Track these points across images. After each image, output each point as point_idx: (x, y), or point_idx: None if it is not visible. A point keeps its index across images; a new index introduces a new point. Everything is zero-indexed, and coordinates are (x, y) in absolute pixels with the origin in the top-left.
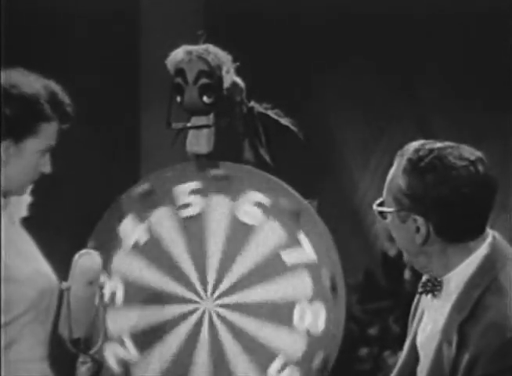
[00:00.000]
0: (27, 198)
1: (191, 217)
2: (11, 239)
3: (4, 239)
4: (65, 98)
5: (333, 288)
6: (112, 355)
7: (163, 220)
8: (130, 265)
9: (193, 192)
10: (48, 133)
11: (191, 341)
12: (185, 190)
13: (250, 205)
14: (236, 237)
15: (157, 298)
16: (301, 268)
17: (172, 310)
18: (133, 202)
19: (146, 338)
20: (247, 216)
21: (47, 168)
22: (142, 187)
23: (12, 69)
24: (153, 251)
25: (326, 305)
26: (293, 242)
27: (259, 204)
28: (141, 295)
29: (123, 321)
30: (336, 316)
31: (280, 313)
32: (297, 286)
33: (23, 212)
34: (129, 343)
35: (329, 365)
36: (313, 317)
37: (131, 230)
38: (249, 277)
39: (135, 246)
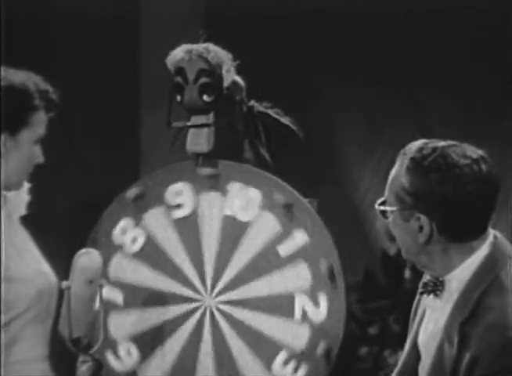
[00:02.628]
0: (25, 197)
1: (185, 216)
2: (10, 237)
3: (2, 237)
4: (48, 86)
5: (332, 277)
6: (114, 358)
7: (157, 221)
8: (128, 268)
9: (185, 191)
10: (39, 122)
11: (194, 339)
12: (176, 190)
13: (243, 200)
14: (231, 233)
15: (157, 299)
16: (297, 259)
17: (173, 310)
18: (126, 206)
19: (149, 340)
20: (240, 212)
21: (40, 159)
22: (134, 191)
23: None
24: (150, 252)
25: (326, 294)
26: (288, 234)
27: (251, 199)
28: (140, 298)
29: (124, 324)
30: (336, 305)
31: (281, 306)
32: (295, 277)
33: (22, 211)
34: (132, 346)
35: (334, 353)
36: (314, 307)
37: (126, 234)
38: (247, 272)
39: (131, 249)
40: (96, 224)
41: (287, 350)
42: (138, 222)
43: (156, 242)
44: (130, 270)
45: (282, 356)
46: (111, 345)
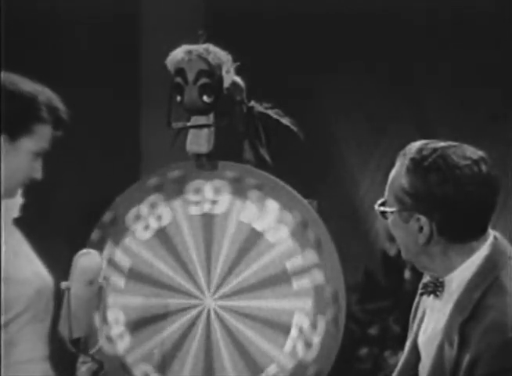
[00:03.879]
0: (19, 199)
1: (201, 214)
2: (6, 239)
3: (2, 238)
4: (60, 104)
5: (335, 302)
6: (106, 339)
7: (172, 214)
8: (135, 254)
9: (205, 190)
10: (43, 135)
11: (186, 336)
12: (196, 187)
13: (260, 210)
14: (243, 240)
15: (158, 290)
16: (304, 279)
17: (172, 304)
18: (144, 193)
19: (143, 329)
20: (256, 220)
21: (38, 174)
22: (154, 180)
23: (25, 77)
24: (160, 243)
25: (326, 319)
26: (300, 252)
27: (269, 210)
28: (142, 285)
29: (123, 309)
30: (334, 332)
31: (278, 321)
32: (298, 296)
33: (15, 213)
34: (125, 332)
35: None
36: (311, 329)
37: (139, 220)
38: (251, 281)
39: (142, 236)
40: (111, 206)
41: (278, 365)
42: (153, 210)
43: (168, 234)
44: (137, 256)
45: (271, 370)
46: (127, 370)
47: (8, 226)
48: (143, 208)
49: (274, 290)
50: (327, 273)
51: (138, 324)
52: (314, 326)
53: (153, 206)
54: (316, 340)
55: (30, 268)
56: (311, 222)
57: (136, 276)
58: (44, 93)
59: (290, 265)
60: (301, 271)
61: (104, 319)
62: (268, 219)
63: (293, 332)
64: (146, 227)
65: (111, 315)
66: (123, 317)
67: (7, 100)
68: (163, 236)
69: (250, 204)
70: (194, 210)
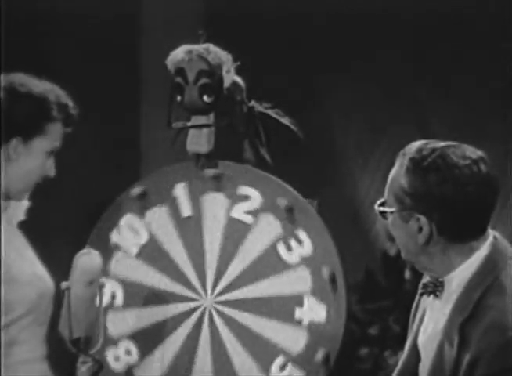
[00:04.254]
0: (25, 202)
1: (188, 217)
2: (10, 242)
3: (4, 241)
4: (69, 101)
5: (333, 282)
6: (113, 357)
7: (159, 221)
8: (128, 267)
9: (190, 192)
10: (55, 134)
11: (192, 339)
12: (180, 190)
13: (246, 202)
14: (233, 235)
15: (157, 298)
16: (299, 263)
17: (172, 310)
18: (129, 204)
19: (147, 339)
20: (243, 213)
21: (51, 172)
22: (138, 189)
23: (15, 73)
24: (152, 252)
25: (326, 300)
26: (290, 237)
27: (254, 201)
28: (140, 296)
29: (123, 323)
30: (336, 311)
31: (280, 309)
32: (296, 281)
33: (21, 216)
34: (130, 345)
35: (332, 359)
36: (313, 312)
37: (127, 232)
38: (247, 274)
39: (133, 248)
40: (98, 222)
41: (285, 354)
42: (140, 220)
43: (158, 241)
44: (130, 268)
45: (279, 360)
46: (110, 343)
47: (13, 229)
48: (130, 218)
49: (271, 279)
50: (322, 255)
51: (142, 338)
52: (316, 310)
53: (138, 215)
54: (320, 324)
55: (34, 271)
56: (297, 206)
57: (133, 287)
58: (53, 91)
59: (283, 252)
60: (296, 256)
61: (107, 337)
62: (254, 210)
63: (296, 319)
64: (136, 237)
65: (115, 334)
66: (126, 331)
67: (19, 103)
68: (153, 244)
69: (234, 198)
70: (181, 213)
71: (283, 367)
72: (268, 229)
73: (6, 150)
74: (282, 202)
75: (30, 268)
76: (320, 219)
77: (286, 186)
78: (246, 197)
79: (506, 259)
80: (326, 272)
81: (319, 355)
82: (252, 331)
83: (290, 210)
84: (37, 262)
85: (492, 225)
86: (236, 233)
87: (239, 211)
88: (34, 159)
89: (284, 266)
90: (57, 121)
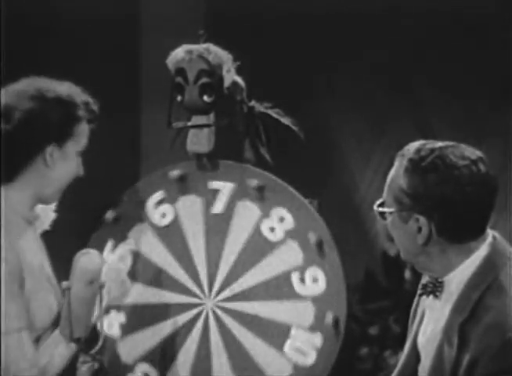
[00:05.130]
0: (51, 214)
1: (167, 225)
2: (37, 252)
3: (2, 238)
4: (89, 97)
5: (322, 247)
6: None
7: (141, 237)
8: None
9: (162, 201)
10: (84, 133)
11: (204, 344)
12: (155, 201)
13: (275, 221)
14: (215, 231)
15: (159, 313)
16: (285, 238)
17: (177, 320)
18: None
19: (162, 356)
20: (218, 207)
21: (81, 170)
22: (111, 213)
23: (27, 77)
24: (141, 269)
25: (321, 267)
26: (269, 215)
27: (225, 192)
28: (142, 316)
29: (134, 348)
30: (334, 274)
31: (279, 288)
32: (286, 257)
33: (46, 226)
34: (147, 367)
35: (341, 323)
36: (312, 282)
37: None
38: (239, 264)
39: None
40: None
41: (296, 329)
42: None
43: (144, 257)
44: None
45: (292, 335)
46: (127, 370)
47: (38, 241)
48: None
49: (275, 292)
50: (305, 224)
51: (155, 355)
52: (314, 278)
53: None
54: (321, 290)
55: (52, 282)
56: (312, 222)
57: (133, 309)
58: (72, 89)
59: (266, 232)
60: (280, 232)
61: (122, 365)
62: (228, 200)
63: (297, 292)
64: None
65: (127, 358)
66: (140, 355)
67: (51, 109)
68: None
69: (205, 195)
70: (159, 223)
71: (297, 341)
72: (246, 214)
73: (43, 157)
74: (252, 184)
75: (50, 279)
76: (294, 191)
77: (251, 168)
78: (217, 191)
79: (505, 259)
80: (313, 240)
81: (328, 319)
82: (258, 317)
83: (261, 189)
84: (55, 282)
85: (492, 225)
86: (217, 228)
87: (216, 207)
88: (70, 162)
89: (271, 246)
90: (83, 121)
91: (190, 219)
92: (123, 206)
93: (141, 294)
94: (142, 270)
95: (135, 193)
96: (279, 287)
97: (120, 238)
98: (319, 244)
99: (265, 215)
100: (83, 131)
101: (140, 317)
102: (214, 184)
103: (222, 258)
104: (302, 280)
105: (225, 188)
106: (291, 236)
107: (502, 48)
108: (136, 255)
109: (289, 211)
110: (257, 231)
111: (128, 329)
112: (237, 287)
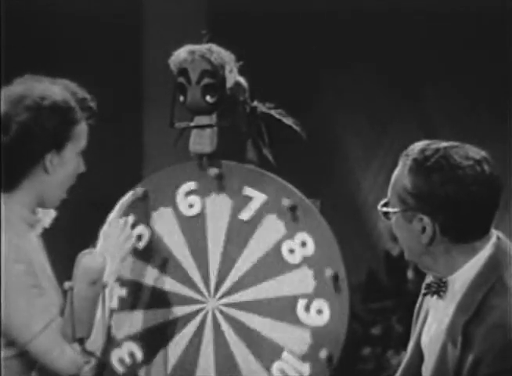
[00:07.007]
0: (52, 212)
1: (192, 217)
2: (37, 253)
3: (3, 238)
4: (85, 93)
5: (336, 283)
6: (117, 359)
7: (164, 220)
8: (131, 267)
9: (193, 192)
10: (82, 133)
11: (195, 341)
12: (184, 191)
13: (297, 244)
14: (237, 235)
15: (160, 299)
16: (302, 264)
17: (176, 311)
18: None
19: (152, 341)
20: (246, 214)
21: (82, 168)
22: (139, 190)
23: (21, 77)
24: (155, 251)
25: (330, 301)
26: (293, 237)
27: (258, 201)
28: (143, 297)
29: (127, 324)
30: (339, 312)
31: (284, 310)
32: (299, 282)
33: (46, 225)
34: (134, 347)
35: (335, 358)
36: (316, 313)
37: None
38: (251, 275)
39: (183, 212)
40: (102, 222)
41: (288, 353)
42: (144, 220)
43: (161, 241)
44: (133, 268)
45: (284, 357)
46: (114, 345)
47: (39, 243)
48: (134, 218)
49: (274, 280)
50: (325, 256)
51: (146, 337)
52: (319, 310)
53: (143, 215)
54: (323, 324)
55: (50, 277)
56: (332, 255)
57: (136, 287)
58: (68, 90)
59: (286, 253)
60: (299, 257)
61: (111, 340)
62: (258, 211)
63: (299, 319)
64: (139, 237)
65: (119, 336)
66: (129, 334)
67: (47, 118)
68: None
69: (238, 198)
70: (185, 213)
71: (286, 365)
72: (271, 229)
73: (43, 164)
74: (286, 202)
75: (51, 277)
76: (323, 219)
77: (289, 187)
78: (249, 198)
79: (509, 259)
80: (329, 273)
81: (323, 354)
82: (255, 331)
83: (293, 209)
84: (56, 283)
85: (495, 225)
86: (239, 234)
87: (245, 213)
88: (70, 165)
89: (287, 267)
90: (81, 121)
91: (216, 218)
92: (153, 184)
93: (147, 275)
94: (154, 253)
95: (169, 176)
96: (283, 309)
97: (143, 215)
98: (334, 279)
99: (289, 235)
100: (82, 131)
101: (141, 297)
102: (249, 191)
103: (236, 265)
104: (307, 308)
105: (258, 197)
106: (308, 263)
107: (504, 48)
108: (153, 236)
109: (313, 238)
110: (277, 248)
111: (125, 305)
112: (243, 296)
